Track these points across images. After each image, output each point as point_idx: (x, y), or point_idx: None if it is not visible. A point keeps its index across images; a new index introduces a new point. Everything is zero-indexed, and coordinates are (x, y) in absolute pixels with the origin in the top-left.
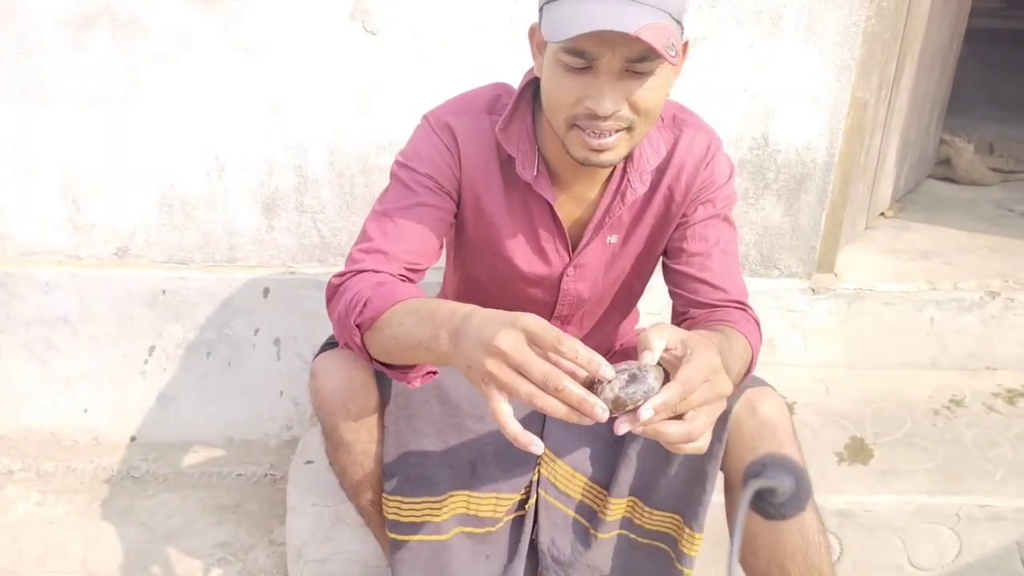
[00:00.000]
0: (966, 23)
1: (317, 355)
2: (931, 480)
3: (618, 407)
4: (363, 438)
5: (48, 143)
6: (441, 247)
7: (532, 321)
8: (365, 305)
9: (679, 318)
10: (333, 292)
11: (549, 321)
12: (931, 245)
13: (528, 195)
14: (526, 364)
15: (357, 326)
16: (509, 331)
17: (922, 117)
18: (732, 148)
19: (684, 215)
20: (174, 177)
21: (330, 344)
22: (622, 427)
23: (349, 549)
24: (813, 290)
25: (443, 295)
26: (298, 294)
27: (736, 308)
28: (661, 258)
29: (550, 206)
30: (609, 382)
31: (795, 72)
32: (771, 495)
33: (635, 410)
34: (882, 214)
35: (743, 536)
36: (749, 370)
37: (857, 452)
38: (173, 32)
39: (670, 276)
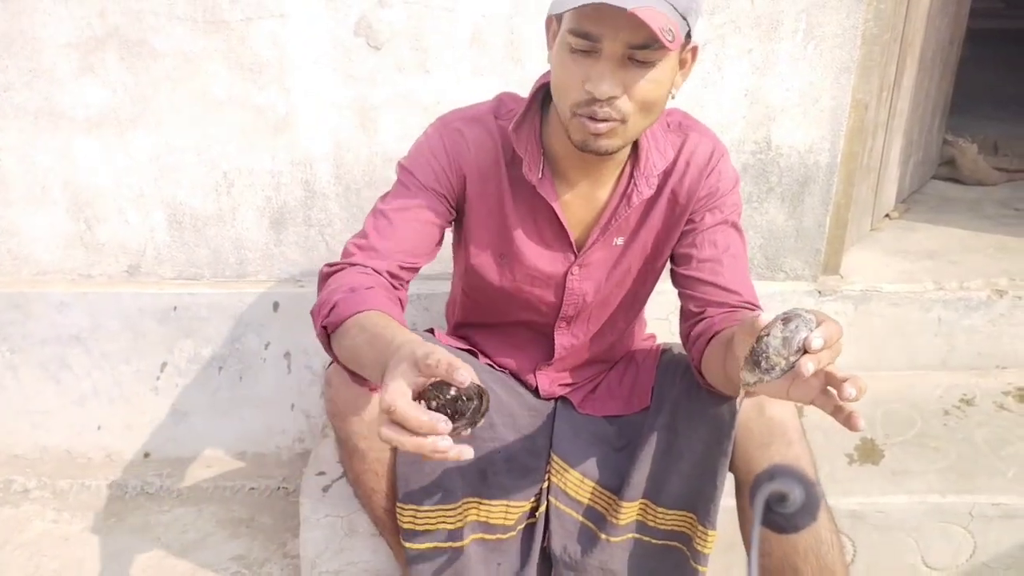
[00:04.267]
0: (966, 24)
1: (330, 364)
2: (943, 480)
3: (786, 344)
4: (376, 446)
5: (59, 164)
6: (437, 246)
7: (392, 387)
8: (332, 308)
9: (694, 319)
10: (322, 283)
11: (555, 324)
12: (937, 245)
13: (534, 196)
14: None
15: (323, 328)
16: (385, 390)
17: (925, 118)
18: (735, 152)
19: (692, 221)
20: (183, 194)
21: None
22: (809, 367)
23: (362, 559)
24: (819, 292)
25: (451, 302)
26: (307, 308)
27: (752, 310)
28: (669, 264)
29: (552, 208)
30: (767, 334)
31: (795, 75)
32: (781, 504)
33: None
34: (887, 215)
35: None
36: None
37: (868, 453)
38: (180, 53)
39: (680, 281)
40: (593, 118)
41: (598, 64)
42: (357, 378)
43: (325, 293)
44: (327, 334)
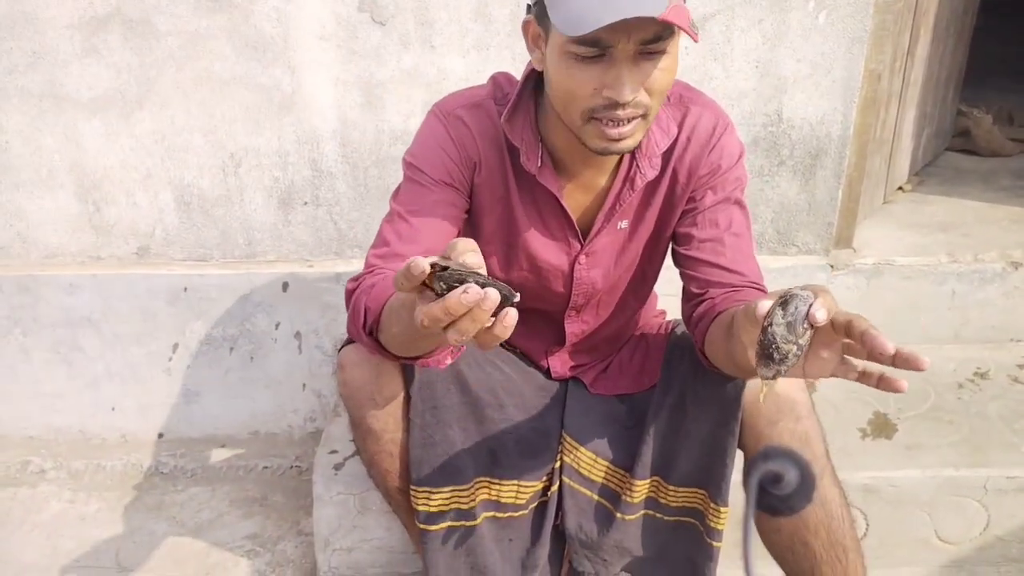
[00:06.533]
0: None
1: (342, 347)
2: (957, 453)
3: (791, 329)
4: (390, 427)
5: (66, 146)
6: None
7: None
8: (366, 313)
9: (696, 300)
10: (348, 298)
11: (565, 312)
12: (950, 217)
13: (535, 185)
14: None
15: (369, 334)
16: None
17: (939, 88)
18: (745, 125)
19: (692, 199)
20: (190, 176)
21: None
22: (821, 314)
23: (375, 536)
24: (832, 266)
25: None
26: (317, 287)
27: (756, 289)
28: (671, 244)
29: (555, 197)
30: (769, 323)
31: (807, 45)
32: (776, 486)
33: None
34: (900, 188)
35: (757, 521)
36: None
37: (881, 427)
38: (183, 32)
39: (681, 261)
40: (615, 122)
41: (613, 68)
42: (422, 360)
43: (352, 308)
44: (376, 341)
